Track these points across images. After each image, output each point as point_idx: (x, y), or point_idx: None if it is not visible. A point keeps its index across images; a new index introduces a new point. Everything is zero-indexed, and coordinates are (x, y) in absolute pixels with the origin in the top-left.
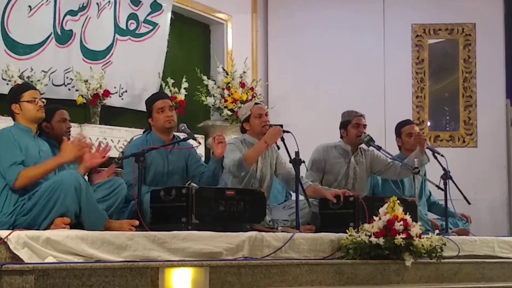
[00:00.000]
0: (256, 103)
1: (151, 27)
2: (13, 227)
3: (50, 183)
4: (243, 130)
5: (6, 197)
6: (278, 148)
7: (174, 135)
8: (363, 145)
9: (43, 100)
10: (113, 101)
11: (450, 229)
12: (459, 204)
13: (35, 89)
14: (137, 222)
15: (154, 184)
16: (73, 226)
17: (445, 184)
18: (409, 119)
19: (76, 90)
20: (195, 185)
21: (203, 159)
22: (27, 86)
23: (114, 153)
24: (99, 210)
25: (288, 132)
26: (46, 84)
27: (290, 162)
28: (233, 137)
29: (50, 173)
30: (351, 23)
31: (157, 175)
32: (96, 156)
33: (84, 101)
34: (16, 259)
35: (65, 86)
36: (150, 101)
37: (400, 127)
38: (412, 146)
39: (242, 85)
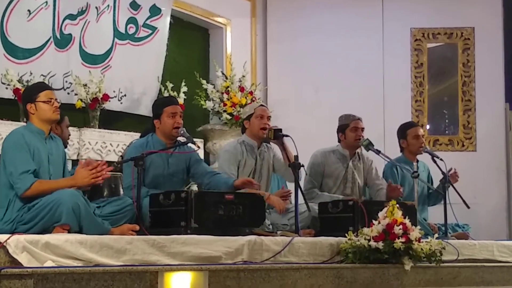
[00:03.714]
0: (261, 105)
1: (150, 31)
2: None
3: (49, 201)
4: (243, 129)
5: (8, 204)
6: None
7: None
8: (360, 149)
9: (59, 101)
10: (112, 105)
11: (450, 233)
12: (458, 208)
13: (51, 89)
14: (137, 227)
15: (152, 186)
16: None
17: (444, 188)
18: (413, 121)
19: (75, 94)
20: (194, 188)
21: None
22: (43, 86)
23: (113, 157)
24: (100, 224)
25: (287, 136)
26: None
27: (289, 166)
28: (232, 140)
29: None
30: (350, 27)
31: (157, 177)
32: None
33: (83, 105)
34: (15, 263)
35: (64, 90)
36: (162, 103)
37: (405, 129)
38: (418, 150)
39: (241, 89)
